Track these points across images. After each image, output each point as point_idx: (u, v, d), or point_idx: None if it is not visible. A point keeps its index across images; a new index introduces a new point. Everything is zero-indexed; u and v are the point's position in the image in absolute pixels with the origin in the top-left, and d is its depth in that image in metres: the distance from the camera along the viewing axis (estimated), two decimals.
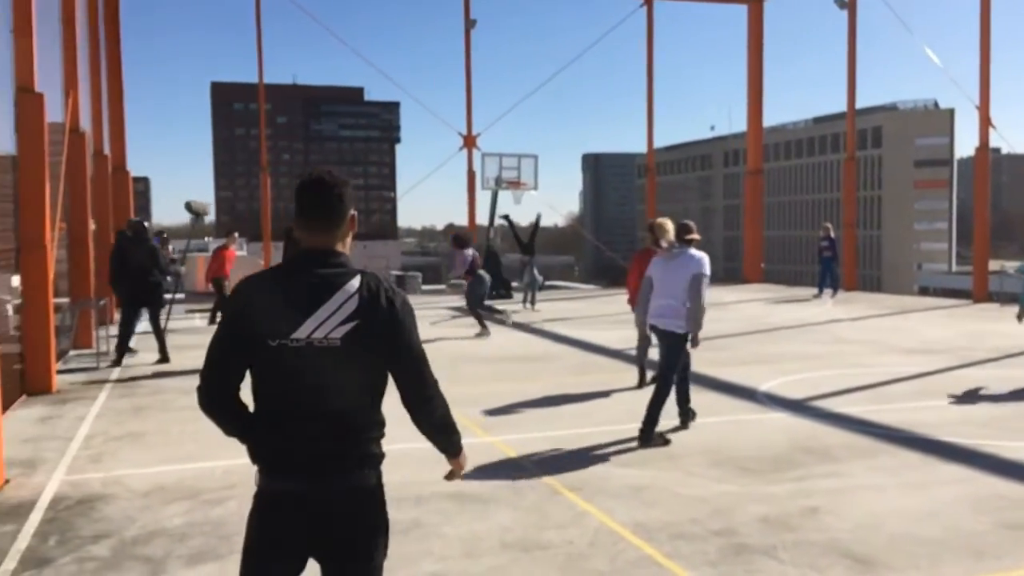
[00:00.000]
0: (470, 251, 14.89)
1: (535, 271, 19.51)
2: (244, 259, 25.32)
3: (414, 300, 15.35)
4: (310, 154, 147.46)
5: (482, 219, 24.72)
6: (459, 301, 22.11)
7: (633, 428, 7.70)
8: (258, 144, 29.24)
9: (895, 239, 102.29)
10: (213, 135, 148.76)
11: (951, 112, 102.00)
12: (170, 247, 19.06)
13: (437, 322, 16.67)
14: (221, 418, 2.58)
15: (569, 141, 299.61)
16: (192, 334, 15.21)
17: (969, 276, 22.22)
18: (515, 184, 23.27)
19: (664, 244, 9.45)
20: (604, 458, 6.95)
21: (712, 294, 8.06)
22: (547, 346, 13.68)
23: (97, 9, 18.07)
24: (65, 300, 13.54)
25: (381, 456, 2.59)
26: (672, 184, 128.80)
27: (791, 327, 15.36)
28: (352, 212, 2.62)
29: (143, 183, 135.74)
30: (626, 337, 12.67)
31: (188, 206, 14.01)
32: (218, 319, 3.42)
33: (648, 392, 9.56)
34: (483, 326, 14.66)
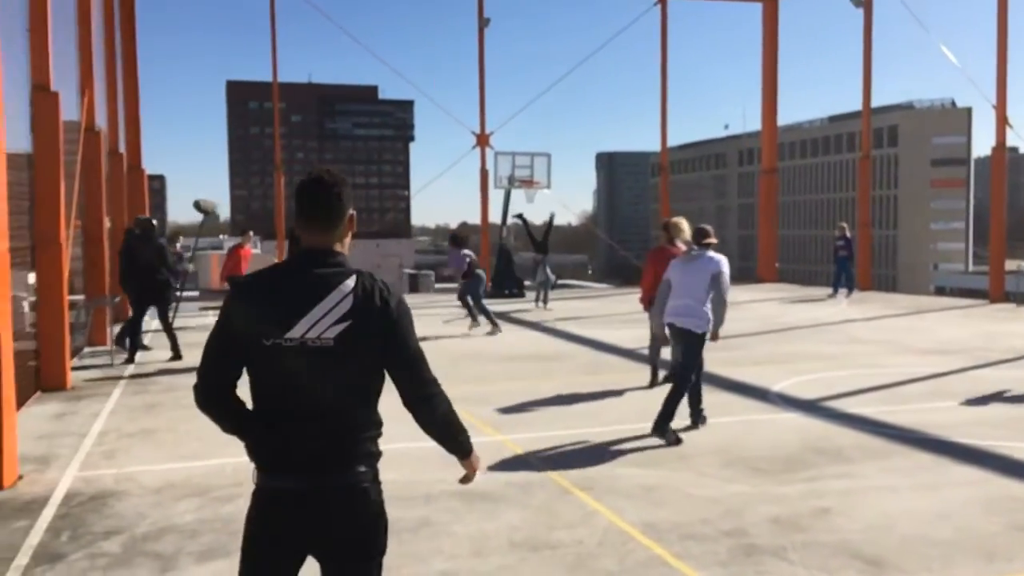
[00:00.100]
0: (467, 250, 15.01)
1: (548, 270, 19.49)
2: (259, 257, 25.40)
3: (427, 298, 15.53)
4: (324, 153, 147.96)
5: (495, 218, 24.76)
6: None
7: (644, 428, 7.69)
8: (273, 143, 29.34)
9: (911, 239, 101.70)
10: (228, 133, 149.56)
11: (968, 111, 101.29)
12: (178, 245, 19.15)
13: (450, 320, 16.67)
14: (217, 416, 2.60)
15: (583, 140, 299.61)
16: (206, 332, 15.24)
17: (985, 276, 22.05)
18: (528, 183, 23.26)
19: (679, 243, 9.49)
20: (614, 458, 6.94)
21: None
22: (559, 345, 13.67)
23: (113, 7, 18.18)
24: (80, 297, 13.63)
25: (378, 455, 2.59)
26: (686, 183, 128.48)
27: (805, 327, 15.29)
28: (351, 212, 2.62)
29: (159, 181, 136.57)
30: (638, 336, 12.65)
31: (197, 204, 14.08)
32: None
33: (659, 391, 9.58)
34: (493, 323, 14.75)
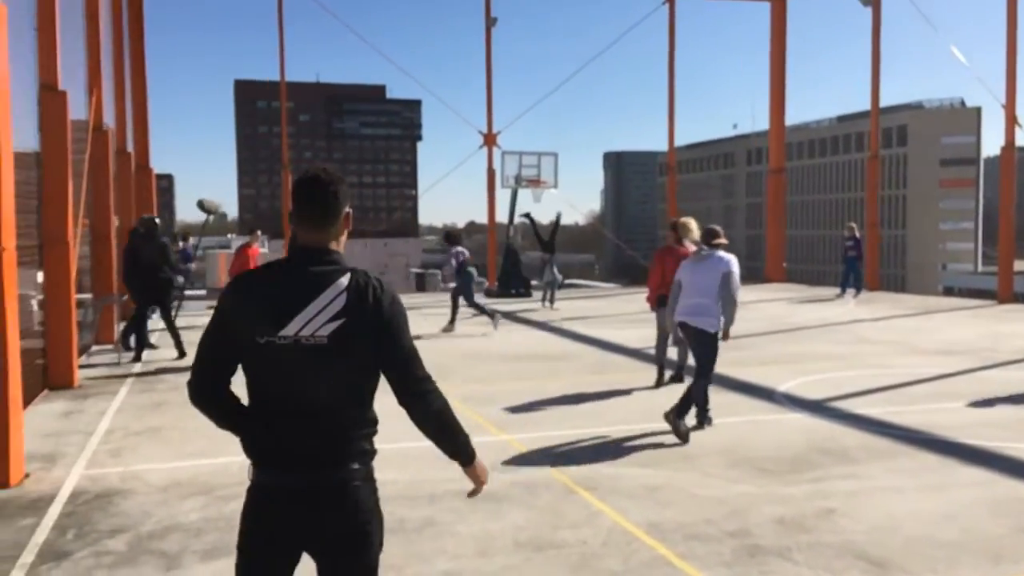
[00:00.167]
0: (460, 248, 15.13)
1: (555, 269, 19.48)
2: (267, 257, 25.47)
3: (434, 297, 15.50)
4: (332, 152, 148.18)
5: (502, 217, 24.74)
6: (478, 298, 22.12)
7: (650, 427, 7.70)
8: (281, 142, 29.40)
9: (920, 239, 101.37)
10: (236, 133, 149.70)
11: (978, 111, 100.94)
12: (180, 243, 19.20)
13: (456, 319, 16.64)
14: (210, 412, 2.62)
15: (591, 139, 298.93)
16: None
17: (995, 276, 21.94)
18: (535, 182, 23.25)
19: (687, 243, 9.52)
20: (620, 458, 6.93)
21: None
22: (565, 345, 13.66)
23: (121, 6, 18.24)
24: (88, 296, 13.68)
25: (372, 453, 2.59)
26: (694, 182, 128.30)
27: (813, 327, 15.25)
28: (347, 210, 2.62)
29: (167, 180, 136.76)
30: (645, 336, 12.63)
31: (200, 204, 14.12)
32: None
33: (665, 392, 9.58)
34: (491, 316, 15.02)
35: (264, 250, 28.72)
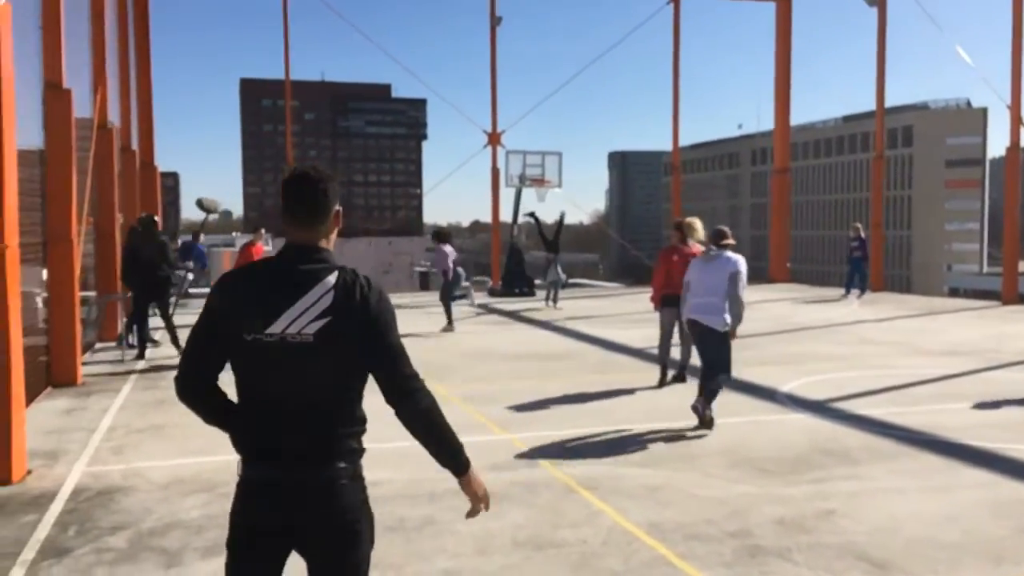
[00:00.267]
0: (451, 249, 15.28)
1: (559, 269, 19.47)
2: (271, 255, 25.49)
3: (437, 296, 15.24)
4: (337, 151, 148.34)
5: (507, 216, 24.74)
6: (482, 297, 22.16)
7: (651, 427, 7.71)
8: (285, 140, 29.42)
9: (925, 239, 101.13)
10: (242, 131, 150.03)
11: (984, 111, 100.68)
12: (179, 242, 19.27)
13: (459, 319, 16.65)
14: (196, 408, 2.63)
15: (595, 138, 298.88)
16: None
17: (1000, 277, 21.89)
18: (539, 181, 23.22)
19: (692, 243, 9.56)
20: (621, 457, 6.93)
21: None
22: (568, 344, 13.65)
23: (126, 4, 18.26)
24: (92, 294, 13.71)
25: (360, 451, 2.58)
26: (699, 182, 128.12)
27: (816, 327, 15.22)
28: (337, 208, 2.62)
29: (172, 178, 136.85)
30: (648, 336, 12.62)
31: (199, 203, 14.18)
32: None
33: (667, 391, 9.58)
34: (450, 320, 15.12)
35: (268, 248, 28.75)
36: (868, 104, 26.73)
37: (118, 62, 17.00)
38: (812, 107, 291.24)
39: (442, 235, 15.70)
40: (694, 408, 7.63)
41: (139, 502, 5.89)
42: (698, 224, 9.96)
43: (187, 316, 14.35)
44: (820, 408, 8.66)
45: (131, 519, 5.54)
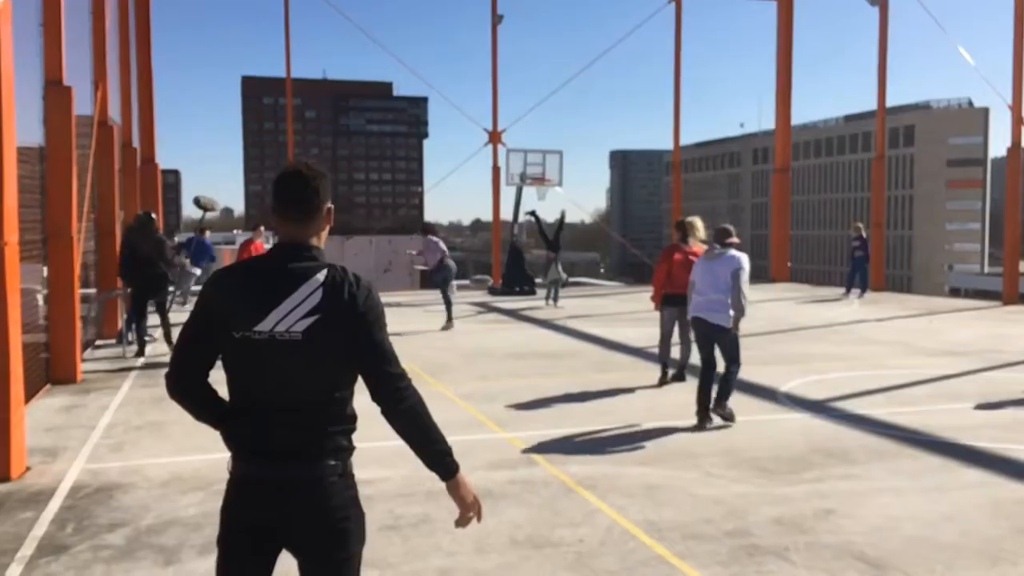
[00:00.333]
0: (439, 239, 15.36)
1: (559, 268, 19.47)
2: None
3: (438, 295, 15.23)
4: (338, 149, 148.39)
5: (507, 215, 24.72)
6: (482, 297, 22.17)
7: (651, 426, 7.71)
8: (287, 138, 29.40)
9: (926, 239, 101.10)
10: (243, 129, 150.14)
11: (985, 111, 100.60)
12: (176, 239, 19.27)
13: (460, 317, 16.65)
14: (186, 405, 2.62)
15: (597, 137, 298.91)
16: None
17: (1001, 278, 21.88)
18: (539, 180, 23.22)
19: (692, 242, 9.58)
20: (620, 456, 6.93)
21: None
22: (567, 343, 13.65)
23: (127, 1, 18.26)
24: (92, 291, 13.71)
25: (350, 450, 2.58)
26: (701, 181, 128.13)
27: (816, 327, 15.22)
28: (328, 205, 2.62)
29: (174, 176, 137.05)
30: (648, 335, 12.62)
31: (196, 201, 14.18)
32: None
33: (667, 390, 9.58)
34: (449, 317, 15.23)
35: (267, 245, 28.87)
36: (870, 104, 26.69)
37: (119, 59, 17.00)
38: (814, 106, 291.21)
39: (429, 227, 15.95)
40: (720, 416, 7.93)
41: (137, 499, 5.89)
42: (699, 223, 9.97)
43: (185, 314, 14.37)
44: (819, 408, 8.66)
45: (129, 516, 5.54)
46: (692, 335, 8.62)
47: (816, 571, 4.61)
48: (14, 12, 6.98)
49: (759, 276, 27.69)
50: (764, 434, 7.62)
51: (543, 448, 7.15)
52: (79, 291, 10.83)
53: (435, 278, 15.39)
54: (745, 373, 10.36)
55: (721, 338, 7.94)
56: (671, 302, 9.74)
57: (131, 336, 12.70)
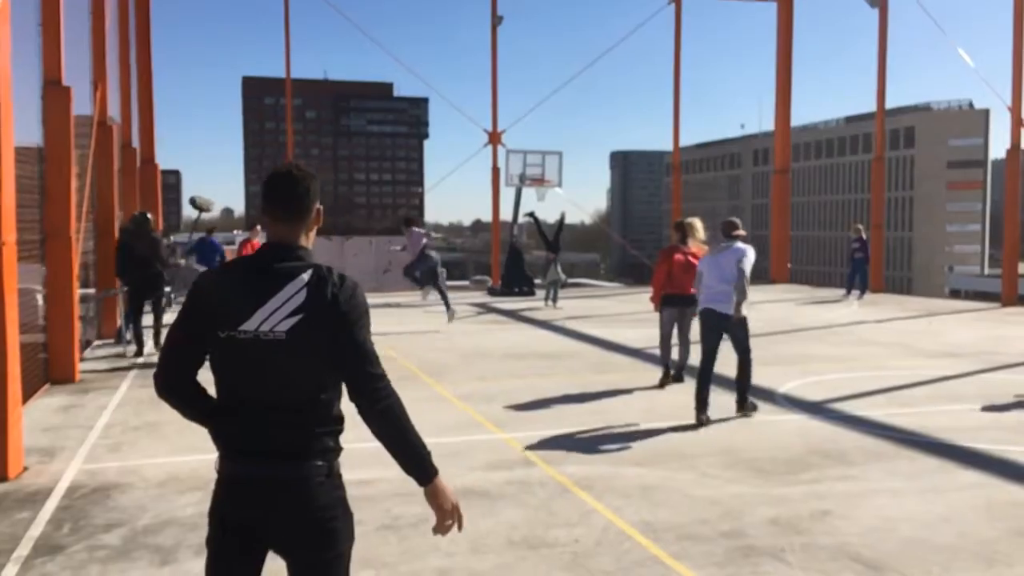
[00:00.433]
0: (421, 230, 15.67)
1: (559, 269, 19.47)
2: None
3: (437, 295, 15.17)
4: (339, 149, 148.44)
5: (507, 215, 24.72)
6: (481, 297, 22.17)
7: (648, 427, 7.70)
8: (287, 139, 29.42)
9: (926, 241, 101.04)
10: (244, 129, 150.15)
11: (986, 113, 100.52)
12: (170, 238, 19.27)
13: (459, 318, 16.65)
14: (175, 404, 2.63)
15: (597, 138, 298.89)
16: None
17: (1000, 279, 21.88)
18: (538, 181, 23.22)
19: (691, 243, 9.62)
20: (617, 457, 6.93)
21: None
22: (567, 344, 13.65)
23: (127, 1, 18.26)
24: (91, 291, 13.72)
25: (337, 450, 2.59)
26: (701, 182, 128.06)
27: (816, 328, 15.22)
28: (318, 206, 2.63)
29: (174, 176, 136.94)
30: (648, 336, 12.63)
31: (193, 201, 14.18)
32: None
33: (666, 392, 9.57)
34: (447, 305, 15.40)
35: None
36: (870, 105, 26.66)
37: (119, 59, 17.00)
38: (814, 108, 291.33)
39: (411, 219, 16.25)
40: (744, 414, 8.23)
41: (134, 500, 5.89)
42: (699, 224, 9.97)
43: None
44: (817, 409, 8.66)
45: (126, 516, 5.54)
46: (692, 334, 8.68)
47: (812, 572, 4.61)
48: (13, 12, 6.99)
49: (759, 277, 27.69)
50: (761, 435, 7.62)
51: (541, 448, 7.14)
52: (78, 291, 10.84)
53: (419, 268, 15.55)
54: None
55: (731, 326, 8.08)
56: (671, 303, 9.74)
57: (129, 335, 12.70)
